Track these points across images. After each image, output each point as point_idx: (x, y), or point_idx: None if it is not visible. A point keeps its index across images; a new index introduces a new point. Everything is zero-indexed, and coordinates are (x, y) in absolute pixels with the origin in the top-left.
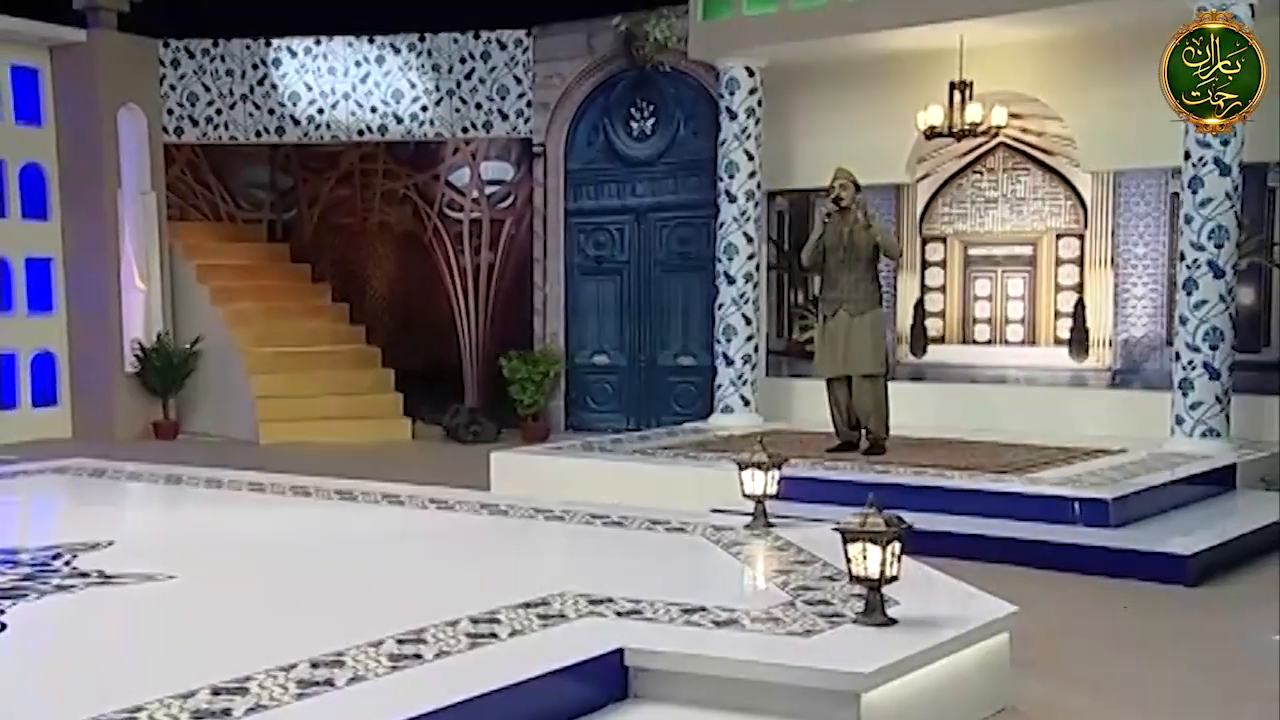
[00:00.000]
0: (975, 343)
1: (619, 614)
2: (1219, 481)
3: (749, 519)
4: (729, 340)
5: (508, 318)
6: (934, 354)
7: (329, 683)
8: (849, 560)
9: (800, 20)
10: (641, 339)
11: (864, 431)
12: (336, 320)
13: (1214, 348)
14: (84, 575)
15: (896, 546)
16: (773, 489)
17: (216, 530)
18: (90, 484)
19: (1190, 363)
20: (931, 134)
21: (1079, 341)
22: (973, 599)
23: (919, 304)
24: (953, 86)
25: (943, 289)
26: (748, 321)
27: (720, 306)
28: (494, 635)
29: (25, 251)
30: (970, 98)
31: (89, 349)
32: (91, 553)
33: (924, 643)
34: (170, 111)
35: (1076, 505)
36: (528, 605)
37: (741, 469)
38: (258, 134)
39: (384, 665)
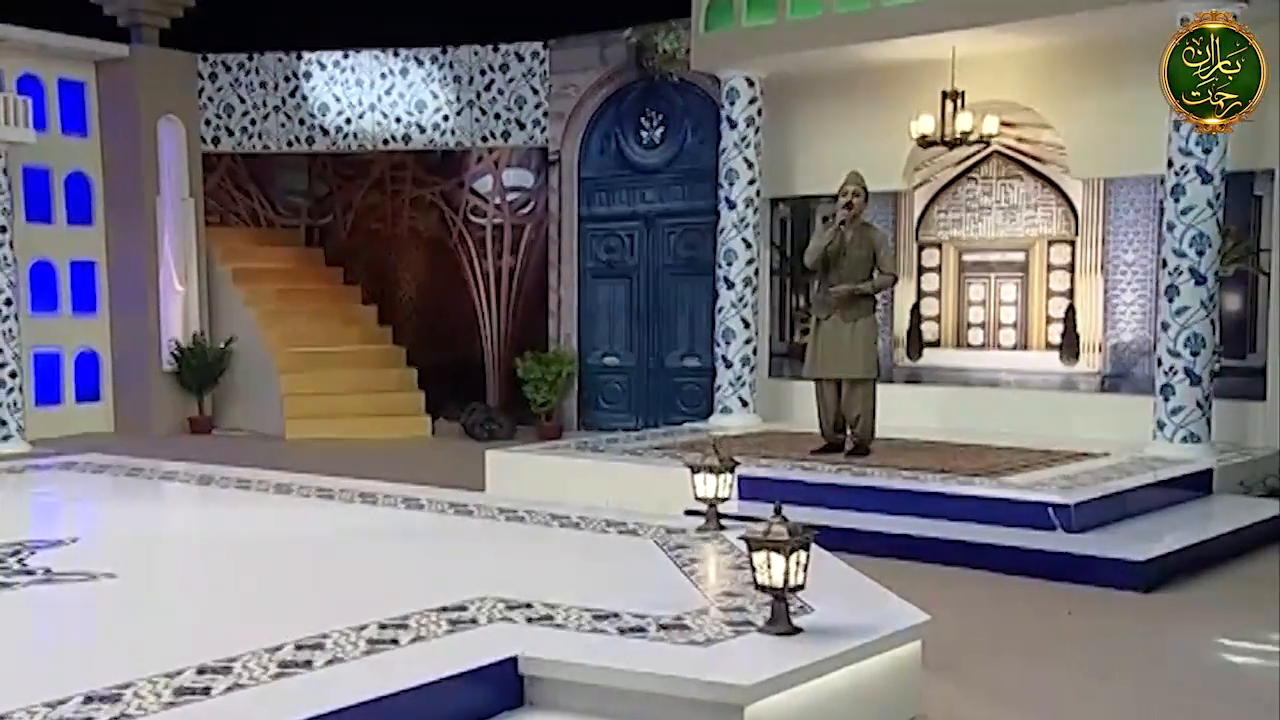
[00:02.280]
0: (969, 347)
1: (530, 620)
2: (1195, 486)
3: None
4: (728, 343)
5: (527, 319)
6: (929, 357)
7: (205, 691)
8: (754, 569)
9: (796, 32)
10: (650, 341)
11: (850, 433)
12: (365, 321)
13: (1195, 354)
14: (30, 573)
15: (802, 555)
16: (725, 492)
17: (182, 527)
18: (89, 480)
19: (1171, 368)
20: (924, 142)
21: (1070, 346)
22: (889, 606)
23: (915, 308)
24: (945, 96)
25: (938, 294)
26: (746, 325)
27: (720, 310)
28: (395, 641)
29: (70, 255)
30: (962, 107)
31: (129, 348)
32: (50, 550)
33: (821, 653)
34: (208, 122)
35: (1051, 510)
36: (444, 609)
37: (694, 472)
38: (289, 143)
39: (270, 672)
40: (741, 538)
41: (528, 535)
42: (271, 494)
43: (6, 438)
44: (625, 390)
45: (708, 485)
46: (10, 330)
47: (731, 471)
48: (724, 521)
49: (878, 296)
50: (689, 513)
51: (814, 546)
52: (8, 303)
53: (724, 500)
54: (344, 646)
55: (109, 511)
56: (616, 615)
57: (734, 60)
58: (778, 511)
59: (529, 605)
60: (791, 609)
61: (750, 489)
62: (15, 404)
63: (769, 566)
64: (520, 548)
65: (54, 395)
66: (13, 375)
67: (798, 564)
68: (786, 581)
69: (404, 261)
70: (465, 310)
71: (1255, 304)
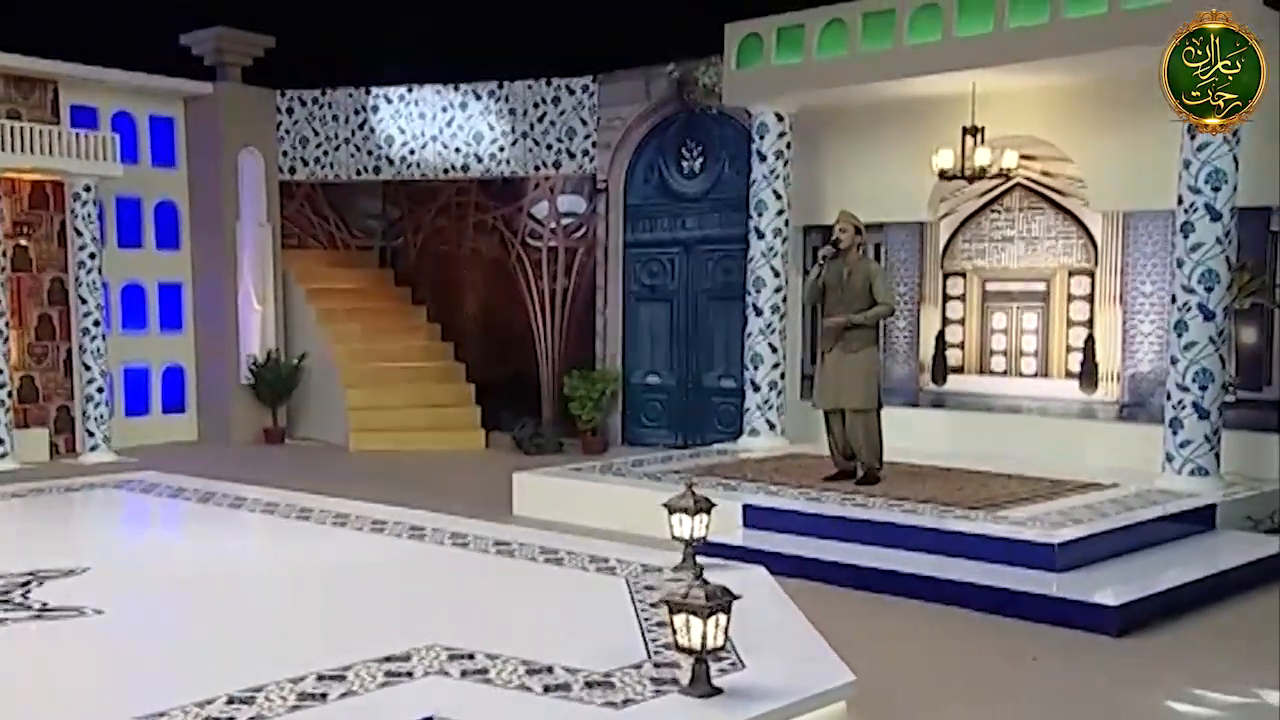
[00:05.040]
0: (992, 373)
1: (465, 673)
2: (1199, 520)
3: (695, 557)
4: (756, 368)
5: (578, 338)
6: (953, 383)
7: None
8: (674, 631)
9: (823, 69)
10: (688, 362)
11: (859, 461)
12: (429, 338)
13: (1203, 388)
14: (27, 608)
15: (721, 618)
16: (700, 532)
17: (189, 557)
18: (133, 501)
19: (1180, 402)
20: (944, 176)
21: (1089, 375)
22: (821, 664)
23: (940, 335)
24: (965, 131)
25: (962, 321)
26: (774, 350)
27: (749, 336)
28: (324, 696)
29: (159, 278)
30: (981, 142)
31: (211, 363)
32: (59, 581)
33: (731, 718)
34: (285, 153)
35: (1035, 549)
36: (388, 659)
37: (670, 513)
38: (358, 172)
39: None
40: (662, 600)
41: (508, 572)
42: (293, 520)
43: (94, 448)
44: (665, 409)
45: (683, 526)
46: (99, 348)
47: (707, 512)
48: (699, 560)
49: (887, 322)
50: (692, 541)
51: (776, 590)
52: (95, 323)
53: (700, 540)
54: (274, 702)
55: (131, 538)
56: (550, 670)
57: (764, 96)
58: (699, 576)
59: (471, 656)
60: (722, 666)
61: (755, 518)
62: (102, 417)
63: (688, 629)
64: (493, 587)
65: (143, 407)
66: (100, 390)
67: (716, 626)
68: (704, 644)
69: (467, 281)
70: (522, 328)
71: (1271, 337)
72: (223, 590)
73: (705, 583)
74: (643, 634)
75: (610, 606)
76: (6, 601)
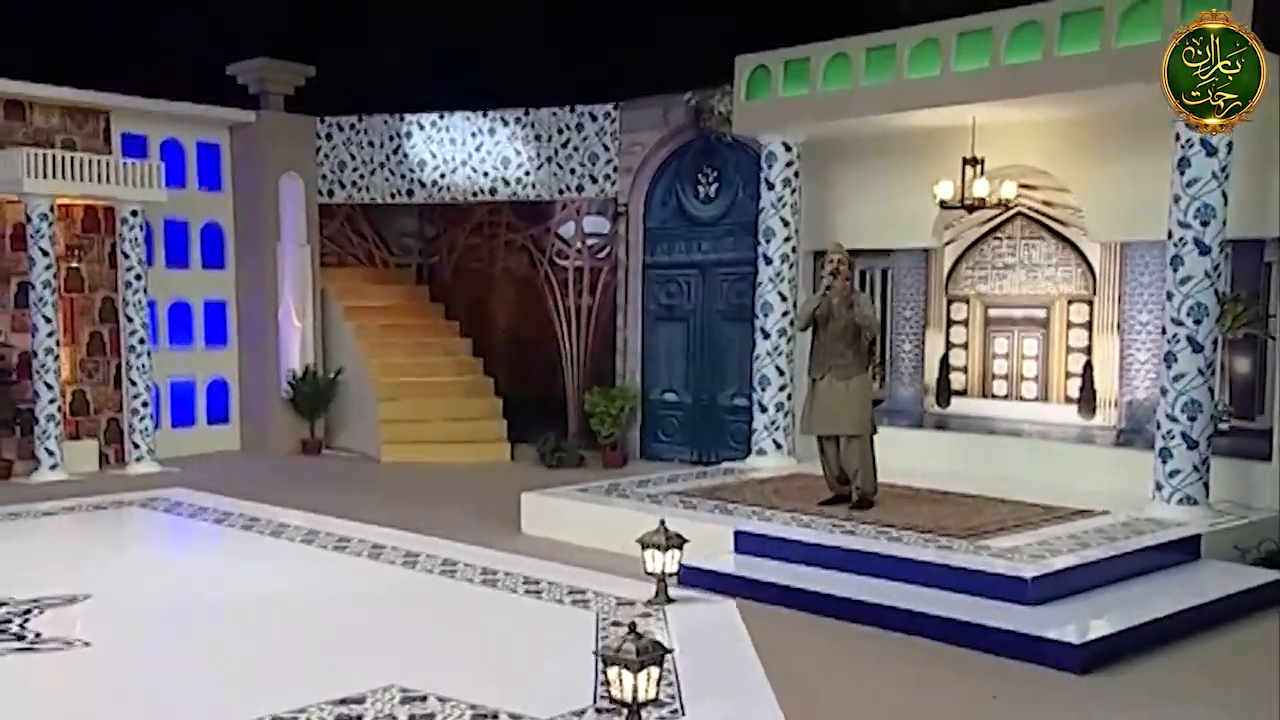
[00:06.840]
0: (994, 397)
1: (413, 717)
2: (1184, 550)
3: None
4: (764, 389)
5: (602, 355)
6: (957, 405)
7: None
8: (607, 682)
9: (828, 102)
10: (704, 380)
11: (853, 487)
12: (460, 353)
13: (1192, 419)
14: (20, 639)
15: (654, 671)
16: (672, 567)
17: (185, 585)
18: (151, 521)
19: (1169, 432)
20: (945, 206)
21: (1087, 400)
22: (759, 712)
23: (944, 359)
24: (965, 162)
25: (965, 346)
26: (781, 372)
27: (757, 358)
28: None
29: (204, 296)
30: (981, 173)
31: (253, 377)
32: (59, 609)
33: None
34: (324, 177)
35: (1028, 582)
36: (344, 701)
37: (643, 548)
38: (392, 196)
39: None
40: (595, 652)
41: (487, 604)
42: (298, 543)
43: (139, 459)
44: (681, 425)
45: (656, 561)
46: (144, 365)
47: (680, 548)
48: (671, 593)
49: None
50: (664, 576)
51: (738, 627)
52: (141, 341)
53: (672, 575)
54: None
55: (137, 563)
56: (495, 716)
57: (772, 126)
58: (632, 629)
59: (424, 699)
60: (664, 714)
61: (746, 544)
62: (147, 430)
63: (620, 682)
64: (467, 621)
65: (189, 418)
66: (145, 404)
67: (648, 679)
68: (635, 697)
69: (498, 298)
70: (549, 345)
71: (1264, 367)
72: (208, 623)
73: (639, 636)
74: (595, 676)
75: (573, 645)
76: (4, 631)
